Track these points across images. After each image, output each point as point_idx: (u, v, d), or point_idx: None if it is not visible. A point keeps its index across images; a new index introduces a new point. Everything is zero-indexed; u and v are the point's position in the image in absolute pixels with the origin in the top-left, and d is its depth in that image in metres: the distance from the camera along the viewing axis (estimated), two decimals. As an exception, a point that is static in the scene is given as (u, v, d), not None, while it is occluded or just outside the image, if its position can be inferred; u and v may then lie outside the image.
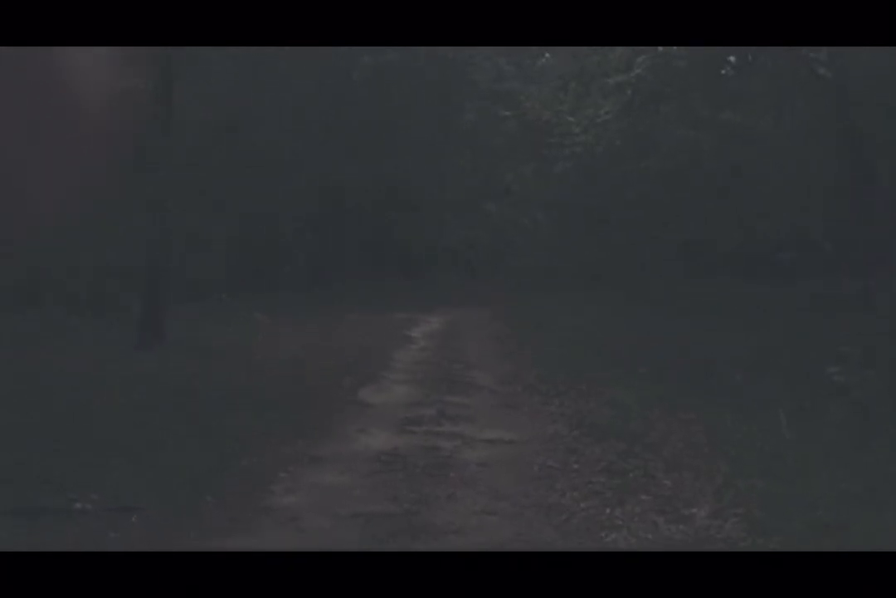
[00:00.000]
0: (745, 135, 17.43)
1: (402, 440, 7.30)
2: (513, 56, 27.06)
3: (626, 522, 5.16)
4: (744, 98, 16.96)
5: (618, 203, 21.09)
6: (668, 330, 13.96)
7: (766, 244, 18.96)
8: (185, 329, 13.04)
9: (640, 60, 13.71)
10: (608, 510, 5.39)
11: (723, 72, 15.61)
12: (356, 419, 8.12)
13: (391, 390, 9.87)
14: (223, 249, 20.53)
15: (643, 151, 17.91)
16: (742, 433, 7.26)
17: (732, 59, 15.44)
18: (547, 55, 27.42)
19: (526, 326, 16.79)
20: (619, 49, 14.03)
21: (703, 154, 17.89)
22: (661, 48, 12.80)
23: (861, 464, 5.99)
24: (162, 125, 12.66)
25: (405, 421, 8.04)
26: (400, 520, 5.13)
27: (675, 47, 12.75)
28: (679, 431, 7.58)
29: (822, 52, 13.23)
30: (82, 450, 6.47)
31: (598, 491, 5.84)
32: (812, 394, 8.26)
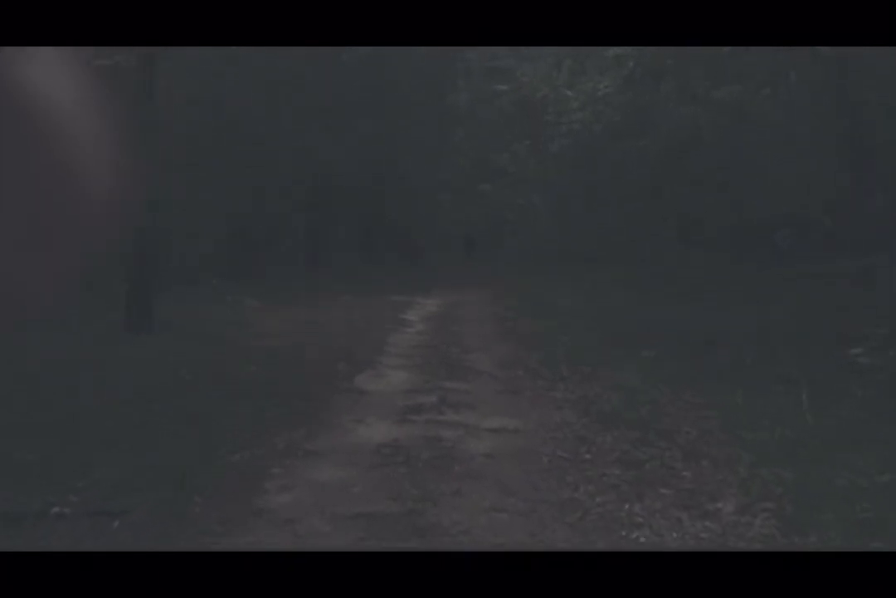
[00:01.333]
0: (742, 111, 17.02)
1: (402, 431, 6.93)
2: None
3: (648, 519, 4.80)
4: (743, 74, 16.54)
5: (616, 183, 20.69)
6: (669, 311, 13.61)
7: (764, 225, 18.61)
8: (175, 315, 12.63)
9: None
10: (627, 506, 5.03)
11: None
12: (353, 408, 7.74)
13: (388, 376, 9.51)
14: (218, 234, 20.14)
15: (642, 128, 17.49)
16: (758, 418, 6.89)
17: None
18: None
19: (524, 308, 16.44)
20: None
21: (702, 133, 17.48)
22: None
23: (893, 452, 5.63)
24: (149, 106, 12.20)
25: (404, 410, 7.67)
26: (404, 521, 4.76)
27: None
28: (692, 416, 7.24)
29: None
30: (63, 443, 6.09)
31: (614, 484, 5.49)
32: (828, 375, 7.91)
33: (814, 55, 13.83)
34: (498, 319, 15.46)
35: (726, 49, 15.17)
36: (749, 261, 19.31)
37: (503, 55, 25.96)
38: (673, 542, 4.46)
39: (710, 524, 4.68)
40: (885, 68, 11.45)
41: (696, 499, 5.09)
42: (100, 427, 6.55)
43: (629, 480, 5.54)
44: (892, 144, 13.37)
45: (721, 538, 4.47)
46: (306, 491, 5.33)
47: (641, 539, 4.53)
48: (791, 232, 17.54)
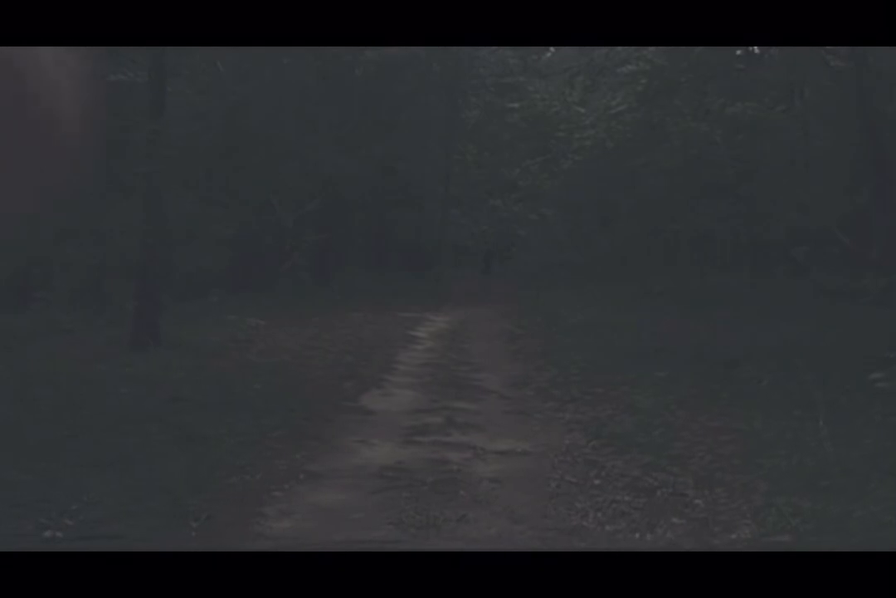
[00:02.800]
0: (758, 127, 16.88)
1: (407, 452, 6.76)
2: (518, 50, 26.51)
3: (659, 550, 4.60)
4: (757, 89, 16.42)
5: (629, 198, 20.56)
6: (684, 327, 13.42)
7: (781, 239, 18.43)
8: (180, 330, 12.49)
9: (654, 49, 13.17)
10: (637, 536, 4.85)
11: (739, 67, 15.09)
12: (358, 429, 7.58)
13: (395, 395, 9.34)
14: (223, 247, 20.01)
15: (654, 144, 17.35)
16: (775, 443, 6.69)
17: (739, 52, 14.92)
18: (552, 49, 26.89)
19: (535, 323, 16.25)
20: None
21: (715, 147, 17.36)
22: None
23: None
24: (156, 118, 12.10)
25: (410, 430, 7.50)
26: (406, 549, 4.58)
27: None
28: (706, 440, 7.03)
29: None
30: (61, 463, 5.94)
31: (624, 512, 5.30)
32: (847, 400, 7.71)
33: (828, 68, 13.73)
34: (508, 335, 15.26)
35: (740, 65, 15.11)
36: (765, 276, 19.15)
37: (515, 71, 25.90)
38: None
39: (724, 556, 4.48)
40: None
41: (710, 529, 4.91)
42: (98, 445, 6.40)
43: (640, 507, 5.35)
44: None
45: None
46: (306, 516, 5.16)
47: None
48: (808, 248, 17.37)
